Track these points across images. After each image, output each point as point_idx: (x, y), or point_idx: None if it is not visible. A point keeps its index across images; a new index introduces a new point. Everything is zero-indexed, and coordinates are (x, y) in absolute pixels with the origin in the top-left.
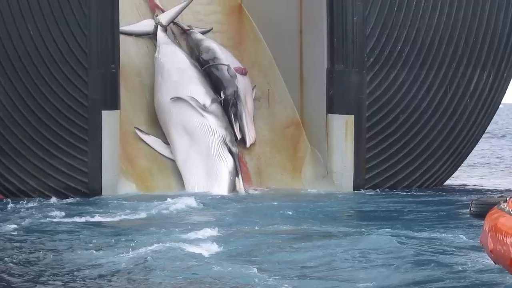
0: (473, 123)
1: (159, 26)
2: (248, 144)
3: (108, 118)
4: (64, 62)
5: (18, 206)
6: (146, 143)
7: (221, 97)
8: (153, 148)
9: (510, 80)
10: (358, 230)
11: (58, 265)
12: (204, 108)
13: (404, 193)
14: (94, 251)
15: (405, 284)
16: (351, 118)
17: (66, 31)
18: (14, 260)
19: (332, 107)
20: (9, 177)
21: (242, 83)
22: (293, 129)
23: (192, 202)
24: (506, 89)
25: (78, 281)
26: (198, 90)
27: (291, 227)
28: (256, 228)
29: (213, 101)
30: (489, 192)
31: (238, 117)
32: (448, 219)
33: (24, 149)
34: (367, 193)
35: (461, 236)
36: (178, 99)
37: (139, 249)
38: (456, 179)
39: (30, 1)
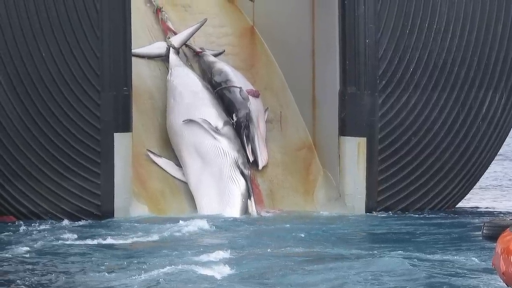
0: (486, 145)
1: (171, 49)
2: (260, 167)
3: (121, 140)
4: (76, 84)
5: (30, 228)
6: (158, 165)
7: (233, 120)
8: (165, 171)
9: None
10: (371, 252)
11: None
12: (216, 130)
13: (416, 215)
14: (107, 274)
15: None
16: (363, 141)
17: (78, 53)
18: (26, 283)
19: (344, 130)
20: (22, 199)
21: (255, 106)
22: (305, 152)
23: (204, 224)
24: None
25: None
26: (211, 113)
27: (303, 249)
28: (269, 250)
29: (225, 123)
30: (502, 215)
31: (250, 139)
32: (460, 241)
33: (37, 172)
34: (379, 215)
35: (473, 258)
36: (190, 121)
37: (151, 272)
38: (469, 201)
39: (42, 23)
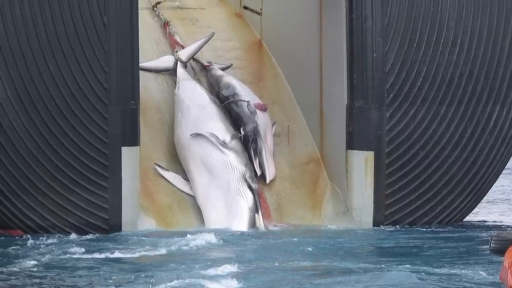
0: (493, 159)
1: (178, 62)
2: (268, 180)
3: (128, 154)
4: (83, 98)
5: (37, 242)
6: (166, 179)
7: (241, 133)
8: (172, 184)
9: None
10: (378, 266)
11: None
12: (224, 144)
13: (424, 229)
14: None
15: None
16: (370, 154)
17: (85, 67)
18: None
19: (351, 143)
20: (29, 213)
21: (262, 119)
22: (313, 165)
23: (212, 238)
24: None
25: None
26: (218, 126)
27: (311, 263)
28: (276, 264)
29: (233, 137)
30: (509, 228)
31: (258, 153)
32: (468, 255)
33: (44, 185)
34: (386, 229)
35: (480, 272)
36: (198, 135)
37: (159, 285)
38: (476, 215)
39: (50, 37)
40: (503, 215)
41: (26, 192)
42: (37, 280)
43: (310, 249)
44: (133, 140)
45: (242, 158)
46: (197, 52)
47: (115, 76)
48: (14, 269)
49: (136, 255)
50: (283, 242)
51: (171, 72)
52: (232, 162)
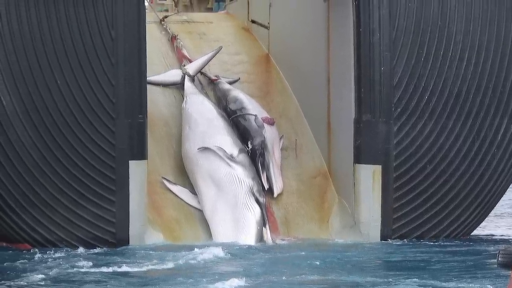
0: (501, 172)
1: (186, 76)
2: (275, 194)
3: (136, 168)
4: (91, 111)
5: (45, 256)
6: (173, 193)
7: (248, 147)
8: (180, 198)
9: None
10: (386, 280)
11: None
12: (231, 158)
13: (431, 243)
14: None
15: None
16: (378, 168)
17: (93, 81)
18: None
19: (359, 157)
20: (37, 227)
21: (270, 133)
22: (320, 179)
23: (219, 252)
24: None
25: None
26: (226, 140)
27: (318, 277)
28: (284, 278)
29: (240, 151)
30: None
31: (265, 167)
32: (475, 269)
33: (52, 199)
34: (394, 243)
35: (488, 286)
36: (205, 149)
37: None
38: (484, 229)
39: (57, 51)
40: (511, 229)
41: (34, 206)
42: None
43: (318, 263)
44: (141, 154)
45: (250, 172)
46: (204, 66)
47: (122, 90)
48: (22, 283)
49: (144, 269)
50: (290, 255)
51: (179, 86)
52: (239, 176)
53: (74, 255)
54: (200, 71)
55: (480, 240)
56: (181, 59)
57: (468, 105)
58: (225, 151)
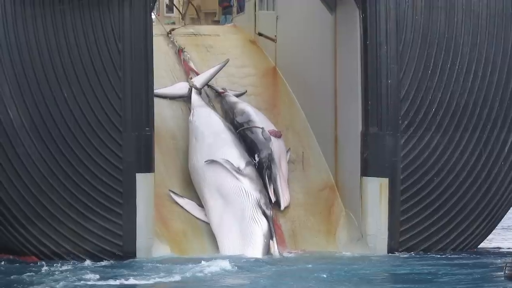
0: (508, 185)
1: (193, 89)
2: (282, 207)
3: (143, 181)
4: (98, 125)
5: (52, 268)
6: (180, 205)
7: (255, 160)
8: (187, 211)
9: None
10: None
11: None
12: (238, 171)
13: (438, 256)
14: None
15: None
16: (385, 181)
17: (100, 94)
18: None
19: (366, 170)
20: (44, 240)
21: (277, 146)
22: (327, 192)
23: (226, 264)
24: None
25: None
26: (233, 153)
27: None
28: None
29: (247, 164)
30: None
31: (272, 179)
32: (482, 281)
33: (59, 212)
34: (401, 256)
35: None
36: (212, 162)
37: None
38: (491, 242)
39: (64, 64)
40: None
41: (41, 219)
42: None
43: (325, 275)
44: (148, 166)
45: (257, 184)
46: (211, 79)
47: (129, 103)
48: None
49: (151, 281)
50: (297, 268)
51: (186, 98)
52: (246, 188)
53: (81, 268)
54: (207, 84)
55: (487, 252)
56: (188, 72)
57: (475, 118)
58: (232, 164)
